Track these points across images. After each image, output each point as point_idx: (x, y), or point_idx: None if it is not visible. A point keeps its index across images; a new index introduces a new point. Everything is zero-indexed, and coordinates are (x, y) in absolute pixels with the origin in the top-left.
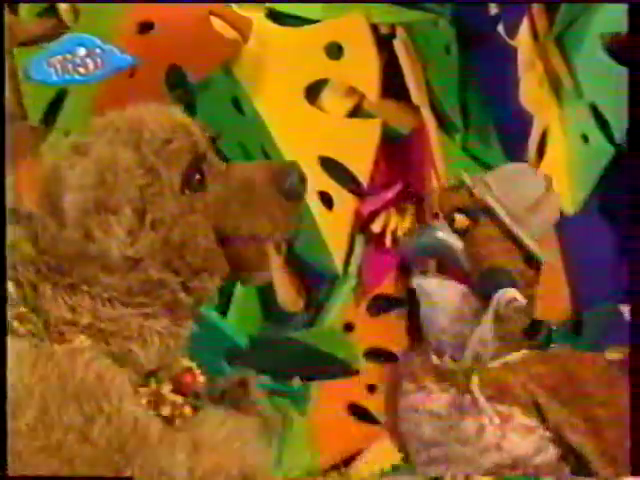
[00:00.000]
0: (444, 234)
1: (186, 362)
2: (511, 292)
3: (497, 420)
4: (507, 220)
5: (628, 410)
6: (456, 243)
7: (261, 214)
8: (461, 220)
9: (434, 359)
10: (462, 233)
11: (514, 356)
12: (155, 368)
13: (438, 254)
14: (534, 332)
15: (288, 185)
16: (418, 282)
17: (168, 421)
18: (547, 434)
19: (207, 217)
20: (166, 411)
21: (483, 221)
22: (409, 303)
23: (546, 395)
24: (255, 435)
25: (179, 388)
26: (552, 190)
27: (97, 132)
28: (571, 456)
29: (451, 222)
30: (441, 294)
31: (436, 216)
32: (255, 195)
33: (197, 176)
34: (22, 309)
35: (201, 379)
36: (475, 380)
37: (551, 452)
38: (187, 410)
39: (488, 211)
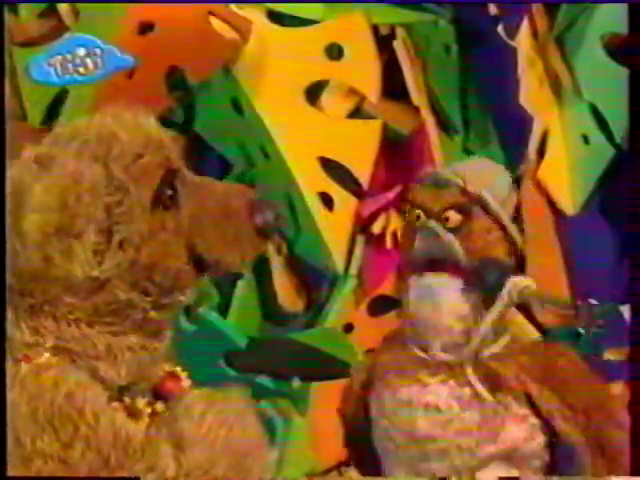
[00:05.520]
0: (442, 233)
1: (169, 366)
2: (523, 280)
3: (502, 410)
4: (500, 211)
5: (607, 399)
6: (452, 239)
7: (232, 243)
8: (455, 217)
9: (419, 353)
10: (455, 229)
11: (498, 345)
12: (128, 383)
13: (438, 254)
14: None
15: (263, 223)
16: (427, 281)
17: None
18: (537, 422)
19: (179, 235)
20: (144, 423)
21: (476, 214)
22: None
23: (536, 386)
24: (242, 418)
25: (160, 394)
26: (514, 186)
27: (63, 142)
28: (558, 444)
29: (444, 220)
30: (446, 293)
31: (420, 217)
32: (230, 222)
33: (169, 192)
34: None
35: (186, 384)
36: (470, 371)
37: (538, 440)
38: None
39: (481, 204)
